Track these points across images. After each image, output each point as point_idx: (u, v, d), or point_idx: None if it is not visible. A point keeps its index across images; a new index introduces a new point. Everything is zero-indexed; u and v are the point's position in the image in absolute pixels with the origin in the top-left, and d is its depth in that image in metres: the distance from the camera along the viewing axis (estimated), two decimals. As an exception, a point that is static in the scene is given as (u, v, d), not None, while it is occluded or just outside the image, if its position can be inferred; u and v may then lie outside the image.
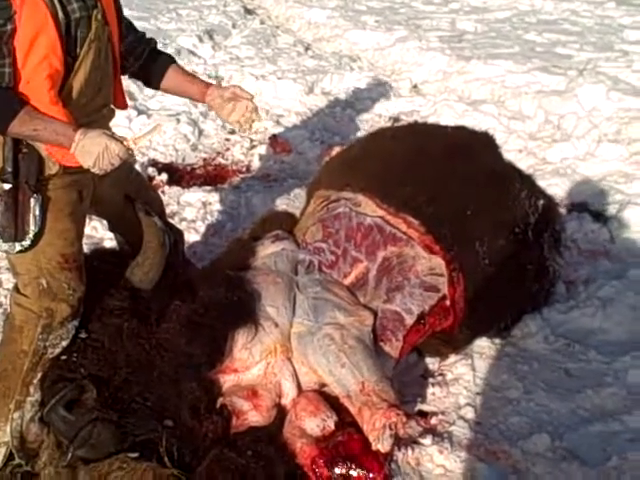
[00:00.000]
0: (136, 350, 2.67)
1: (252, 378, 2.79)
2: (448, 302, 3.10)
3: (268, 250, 3.24)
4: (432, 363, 3.30)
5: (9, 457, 2.62)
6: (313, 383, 2.83)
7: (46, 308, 2.54)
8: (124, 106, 2.80)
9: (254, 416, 2.69)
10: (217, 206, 4.58)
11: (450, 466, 2.73)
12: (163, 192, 4.69)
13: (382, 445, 2.55)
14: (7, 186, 2.39)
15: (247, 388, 2.75)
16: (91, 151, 2.31)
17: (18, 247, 2.42)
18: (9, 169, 2.40)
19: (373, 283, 3.10)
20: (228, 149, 5.53)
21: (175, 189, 4.80)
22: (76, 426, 2.47)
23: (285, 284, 3.03)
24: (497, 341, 3.39)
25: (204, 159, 5.39)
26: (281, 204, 4.54)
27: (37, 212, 2.41)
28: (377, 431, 2.54)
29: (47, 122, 2.31)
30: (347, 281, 3.13)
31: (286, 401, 2.77)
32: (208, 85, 2.79)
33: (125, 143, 2.36)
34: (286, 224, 3.53)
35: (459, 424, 2.93)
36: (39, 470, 2.57)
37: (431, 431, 2.90)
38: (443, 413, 3.01)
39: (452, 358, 3.29)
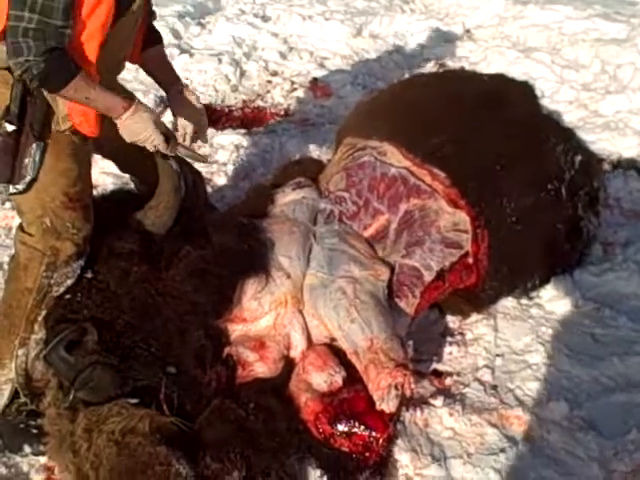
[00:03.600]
0: (142, 295, 2.62)
1: (261, 329, 2.73)
2: (471, 260, 2.97)
3: (288, 198, 3.15)
4: (453, 321, 3.19)
5: (15, 395, 2.62)
6: (324, 337, 2.75)
7: (51, 247, 2.51)
8: (139, 61, 2.80)
9: (260, 367, 2.64)
10: (250, 149, 4.48)
11: (459, 429, 2.64)
12: (197, 133, 4.62)
13: (386, 405, 2.47)
14: (10, 127, 2.34)
15: (255, 339, 2.69)
16: (134, 131, 2.43)
17: (12, 189, 2.39)
18: (15, 110, 2.34)
19: (393, 236, 2.99)
20: (269, 91, 5.40)
21: (209, 131, 4.69)
22: (76, 368, 2.44)
23: (301, 234, 2.94)
24: (523, 302, 3.25)
25: (243, 101, 5.28)
26: (315, 150, 4.41)
27: (37, 158, 2.39)
28: (382, 390, 2.46)
29: (100, 92, 2.34)
30: (367, 233, 3.03)
31: (295, 354, 2.70)
32: (175, 82, 2.80)
33: (171, 142, 2.53)
34: (311, 171, 3.43)
35: (474, 386, 2.84)
36: (44, 409, 2.55)
37: (444, 392, 2.81)
38: (459, 374, 2.91)
39: (474, 317, 3.18)
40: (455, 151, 3.07)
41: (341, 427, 2.47)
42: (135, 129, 2.43)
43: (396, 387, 2.47)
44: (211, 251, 2.74)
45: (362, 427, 2.47)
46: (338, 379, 2.59)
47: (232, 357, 2.63)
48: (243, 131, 4.72)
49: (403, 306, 2.81)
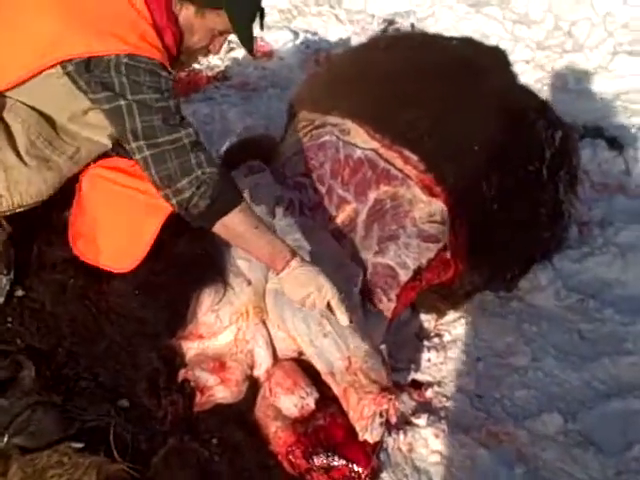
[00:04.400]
0: (82, 314, 2.24)
1: (220, 346, 2.36)
2: (449, 254, 2.67)
3: (240, 186, 2.77)
4: (427, 321, 2.88)
5: None
6: (291, 350, 2.41)
7: None
8: None
9: (221, 392, 2.29)
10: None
11: (447, 452, 2.35)
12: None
13: (370, 435, 2.16)
14: None
15: (214, 359, 2.33)
16: (304, 285, 2.16)
17: None
18: None
19: (362, 230, 2.64)
20: (203, 51, 4.92)
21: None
22: (11, 412, 2.05)
23: (260, 231, 2.58)
24: (501, 294, 2.97)
25: (175, 63, 4.78)
26: (259, 119, 4.02)
27: None
28: (365, 420, 2.15)
29: (267, 231, 2.17)
30: (332, 226, 2.68)
31: (259, 372, 2.36)
32: None
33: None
34: (262, 151, 3.06)
35: (457, 398, 2.55)
36: (-31, 458, 2.16)
37: (425, 407, 2.51)
38: (439, 384, 2.62)
39: (450, 315, 2.88)
40: (428, 130, 2.72)
41: (318, 461, 2.16)
42: (307, 280, 2.15)
43: (381, 414, 2.17)
44: (157, 259, 2.37)
45: (342, 460, 2.15)
46: (310, 402, 2.27)
47: (188, 382, 2.28)
48: (182, 99, 4.27)
49: (378, 311, 2.50)
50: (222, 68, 4.72)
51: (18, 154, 2.06)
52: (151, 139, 1.98)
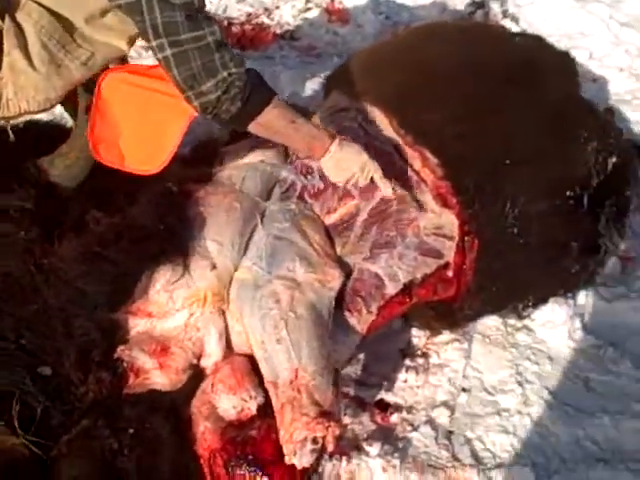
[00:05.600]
0: (20, 270, 2.09)
1: (168, 329, 2.16)
2: (451, 273, 2.39)
3: (243, 159, 2.57)
4: (417, 337, 2.60)
5: None
6: (248, 347, 2.20)
7: None
8: None
9: (158, 377, 2.10)
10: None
11: (391, 491, 2.11)
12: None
13: (299, 461, 1.93)
14: None
15: (157, 341, 2.14)
16: (348, 167, 2.19)
17: None
18: None
19: (359, 230, 2.40)
20: (278, 7, 4.65)
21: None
22: None
23: (244, 212, 2.36)
24: (509, 322, 2.65)
25: (248, 14, 4.56)
26: (310, 88, 3.77)
27: None
28: (293, 444, 1.93)
29: (304, 118, 2.12)
30: (329, 220, 2.45)
31: (207, 364, 2.16)
32: None
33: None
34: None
35: (424, 431, 2.29)
36: None
37: (384, 434, 2.27)
38: (409, 410, 2.35)
39: (445, 336, 2.59)
40: (459, 134, 2.44)
41: (238, 473, 1.95)
42: (349, 162, 2.18)
43: (314, 440, 1.93)
44: (119, 222, 2.19)
45: (264, 478, 1.94)
46: (252, 406, 2.05)
47: (122, 361, 2.10)
48: (236, 52, 4.05)
49: (353, 323, 2.24)
50: (292, 27, 4.46)
51: (28, 57, 1.97)
52: (173, 36, 1.88)
